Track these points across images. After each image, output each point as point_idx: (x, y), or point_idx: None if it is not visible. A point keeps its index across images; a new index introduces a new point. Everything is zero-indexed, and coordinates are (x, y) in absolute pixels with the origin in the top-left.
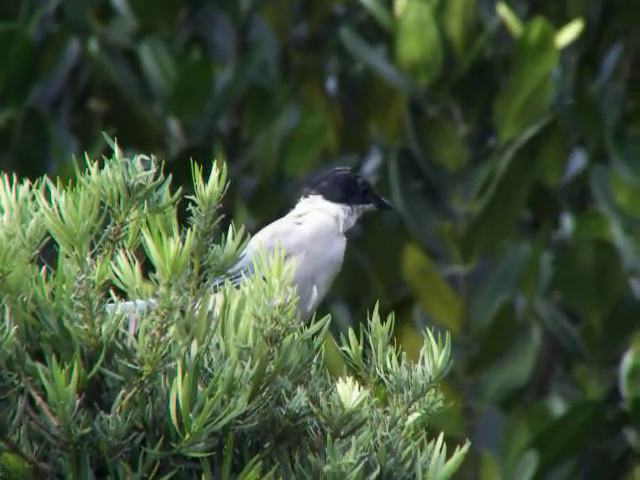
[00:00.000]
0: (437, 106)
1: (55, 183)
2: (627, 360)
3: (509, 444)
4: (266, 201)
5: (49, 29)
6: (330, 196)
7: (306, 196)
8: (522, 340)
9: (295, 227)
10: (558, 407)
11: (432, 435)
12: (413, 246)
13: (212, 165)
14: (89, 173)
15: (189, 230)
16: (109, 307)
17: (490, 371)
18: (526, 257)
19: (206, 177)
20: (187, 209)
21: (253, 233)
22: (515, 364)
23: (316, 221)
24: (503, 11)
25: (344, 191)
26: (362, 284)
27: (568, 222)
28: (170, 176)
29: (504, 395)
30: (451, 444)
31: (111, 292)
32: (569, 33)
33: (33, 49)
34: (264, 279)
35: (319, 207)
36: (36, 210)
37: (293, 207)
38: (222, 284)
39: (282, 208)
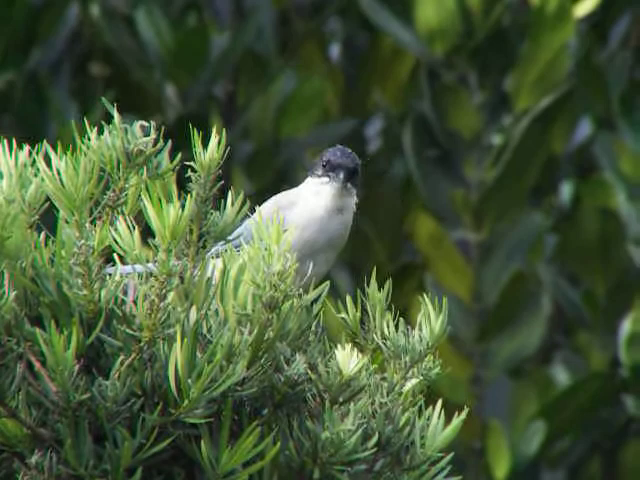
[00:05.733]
0: (453, 73)
1: (55, 147)
2: (626, 326)
3: (517, 413)
4: (263, 166)
5: None
6: (311, 172)
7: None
8: (532, 309)
9: (293, 206)
10: (561, 376)
11: (434, 402)
12: (425, 213)
13: (209, 131)
14: (89, 139)
15: (188, 196)
16: (109, 270)
17: (500, 339)
18: (538, 225)
19: (203, 143)
20: (186, 175)
21: (251, 198)
22: (525, 333)
23: (306, 206)
24: None
25: (317, 166)
26: (364, 250)
27: (569, 189)
28: (170, 142)
29: (514, 364)
30: (458, 412)
31: (115, 258)
32: (587, 4)
33: (33, 12)
34: (263, 247)
35: (306, 187)
36: (36, 175)
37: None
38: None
39: (279, 172)
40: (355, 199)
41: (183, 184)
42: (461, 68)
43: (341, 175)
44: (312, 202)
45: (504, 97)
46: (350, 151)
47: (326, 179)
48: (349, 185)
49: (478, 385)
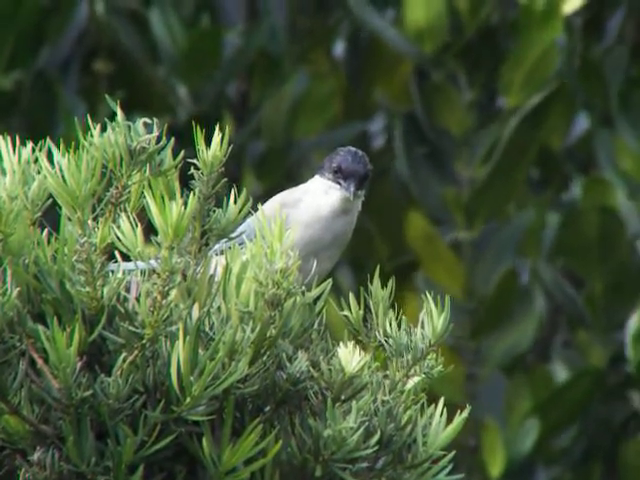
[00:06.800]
0: (442, 72)
1: (60, 146)
2: (632, 322)
3: (511, 410)
4: (273, 166)
5: None
6: (320, 172)
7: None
8: (525, 305)
9: (299, 203)
10: (560, 373)
11: (433, 400)
12: (417, 211)
13: (219, 130)
14: (92, 136)
15: (191, 194)
16: (112, 267)
17: (493, 337)
18: (530, 222)
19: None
20: (190, 173)
21: (260, 198)
22: (518, 330)
23: (312, 204)
24: None
25: (323, 167)
26: (367, 247)
27: (574, 186)
28: (172, 139)
29: (507, 361)
30: (453, 410)
31: (116, 255)
32: (575, 1)
33: (42, 10)
34: (266, 244)
35: (315, 185)
36: (39, 172)
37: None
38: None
39: (289, 173)
40: (362, 198)
41: (186, 182)
42: (450, 67)
43: (352, 187)
44: (319, 201)
45: (494, 95)
46: (361, 154)
47: (336, 186)
48: (359, 192)
49: (472, 383)
